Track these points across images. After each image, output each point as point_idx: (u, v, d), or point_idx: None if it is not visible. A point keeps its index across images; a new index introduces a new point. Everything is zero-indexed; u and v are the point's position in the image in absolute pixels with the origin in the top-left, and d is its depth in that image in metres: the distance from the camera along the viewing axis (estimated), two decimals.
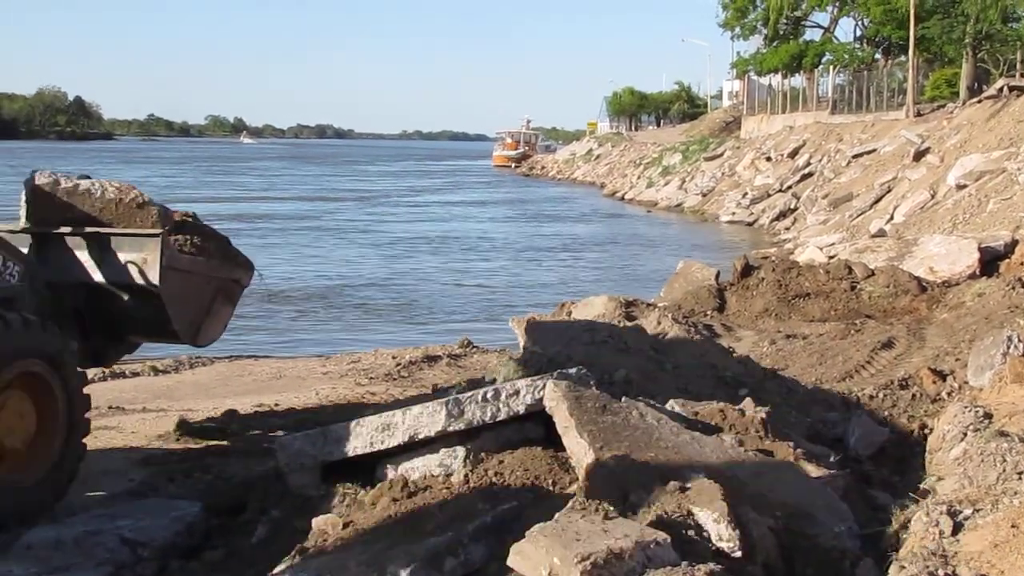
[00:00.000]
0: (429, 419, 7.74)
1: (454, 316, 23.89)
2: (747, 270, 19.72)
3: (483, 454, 7.65)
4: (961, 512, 6.48)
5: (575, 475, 7.18)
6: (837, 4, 64.52)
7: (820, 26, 68.13)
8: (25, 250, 9.85)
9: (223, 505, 8.77)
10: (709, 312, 18.57)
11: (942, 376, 12.67)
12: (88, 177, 10.56)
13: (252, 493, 8.71)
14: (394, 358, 16.59)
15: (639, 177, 72.63)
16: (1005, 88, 37.04)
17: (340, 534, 7.19)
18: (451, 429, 7.70)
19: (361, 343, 20.52)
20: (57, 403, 8.79)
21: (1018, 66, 45.32)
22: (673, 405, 8.38)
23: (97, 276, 9.98)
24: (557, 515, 6.11)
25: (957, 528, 6.30)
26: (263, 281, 12.12)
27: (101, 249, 9.99)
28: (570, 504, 6.34)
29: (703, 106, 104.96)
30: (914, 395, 11.26)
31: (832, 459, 8.22)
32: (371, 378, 15.44)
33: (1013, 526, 6.02)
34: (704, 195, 56.08)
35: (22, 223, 10.26)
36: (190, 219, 11.15)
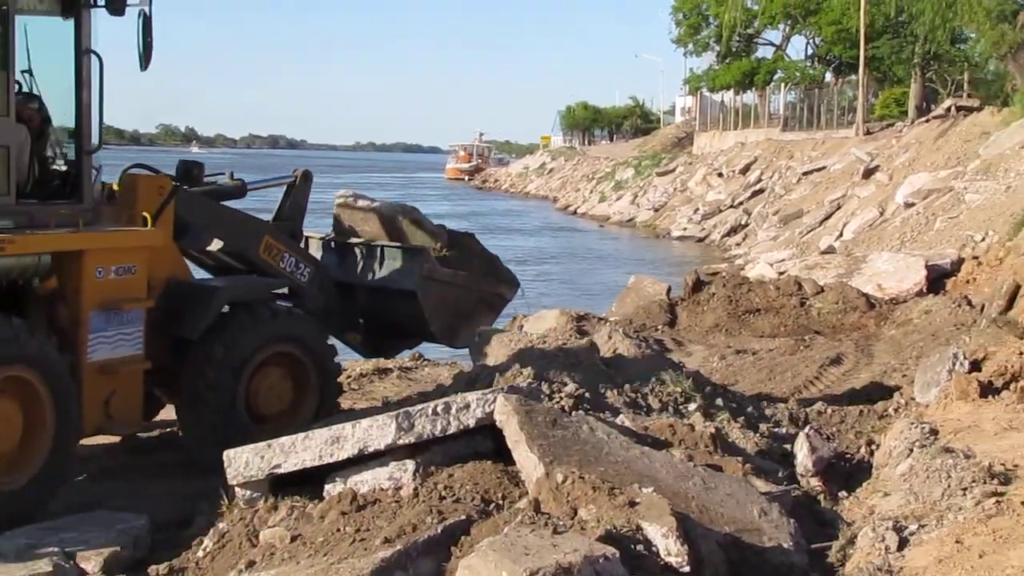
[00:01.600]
0: (379, 432, 7.71)
1: None
2: (698, 285, 19.82)
3: (433, 468, 7.64)
4: (907, 528, 6.54)
5: (525, 489, 7.18)
6: (789, 23, 65.06)
7: (772, 44, 68.75)
8: (321, 254, 12.41)
9: (169, 518, 8.71)
10: (660, 327, 18.64)
11: (889, 392, 12.80)
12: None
13: (199, 506, 8.65)
14: (344, 370, 16.50)
15: (592, 191, 72.84)
16: (953, 108, 37.49)
17: (288, 547, 7.15)
18: (401, 442, 7.68)
19: None
20: (309, 377, 10.96)
21: (965, 86, 45.88)
22: (623, 420, 8.40)
23: (372, 281, 12.15)
24: (506, 529, 6.11)
25: (903, 544, 6.36)
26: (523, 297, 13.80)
27: (378, 258, 12.19)
28: (519, 518, 6.35)
29: (656, 121, 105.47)
30: (861, 411, 11.34)
31: (780, 474, 8.26)
32: None
33: (958, 541, 6.08)
34: (656, 210, 56.30)
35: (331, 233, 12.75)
36: (466, 238, 13.32)
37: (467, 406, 7.77)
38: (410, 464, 7.65)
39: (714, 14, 64.48)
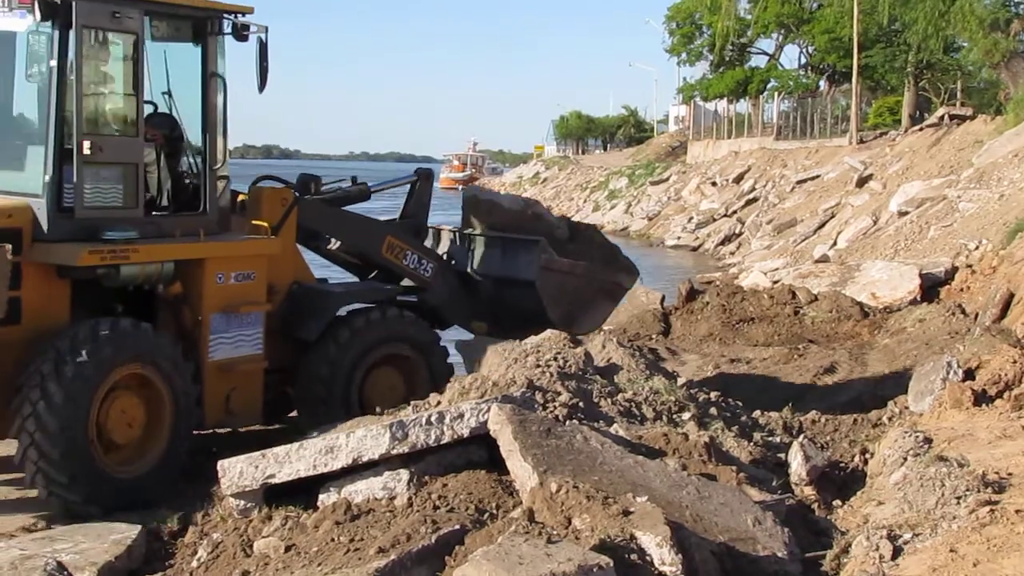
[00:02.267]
0: (373, 442, 7.72)
1: None
2: (692, 294, 19.83)
3: (427, 477, 7.64)
4: (901, 536, 6.54)
5: (519, 499, 7.18)
6: (782, 32, 65.16)
7: (765, 53, 68.80)
8: (444, 247, 13.42)
9: (165, 527, 8.70)
10: (654, 336, 18.65)
11: (883, 401, 12.80)
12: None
13: (193, 516, 8.64)
14: None
15: (585, 200, 72.82)
16: (946, 117, 37.57)
17: (282, 557, 7.15)
18: (395, 452, 7.68)
19: None
20: (420, 375, 11.88)
21: (959, 95, 45.94)
22: (617, 429, 8.40)
23: (495, 271, 13.07)
24: (500, 539, 6.10)
25: (897, 552, 6.36)
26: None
27: (501, 249, 13.16)
28: (513, 528, 6.35)
29: (650, 131, 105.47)
30: (855, 420, 11.35)
31: (775, 483, 8.27)
32: None
33: (951, 550, 6.09)
34: (650, 219, 56.29)
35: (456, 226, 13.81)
36: (587, 229, 14.65)
37: (461, 416, 7.77)
38: (404, 473, 7.65)
39: (707, 23, 64.59)
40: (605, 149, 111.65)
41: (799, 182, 44.33)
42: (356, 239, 12.65)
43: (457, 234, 13.60)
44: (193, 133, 11.07)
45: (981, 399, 9.37)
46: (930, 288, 20.01)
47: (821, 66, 63.10)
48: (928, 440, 8.27)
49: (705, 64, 70.75)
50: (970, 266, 20.38)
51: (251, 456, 8.15)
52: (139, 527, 8.53)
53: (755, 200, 46.92)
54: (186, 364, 10.16)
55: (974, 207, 25.39)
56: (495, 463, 7.63)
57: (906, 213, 28.25)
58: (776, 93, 62.47)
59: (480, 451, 7.81)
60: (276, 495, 8.05)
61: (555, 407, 8.57)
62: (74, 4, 9.63)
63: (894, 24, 45.80)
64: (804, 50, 66.03)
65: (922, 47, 36.91)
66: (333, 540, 7.11)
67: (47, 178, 9.70)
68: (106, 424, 9.58)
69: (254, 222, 11.24)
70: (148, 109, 10.80)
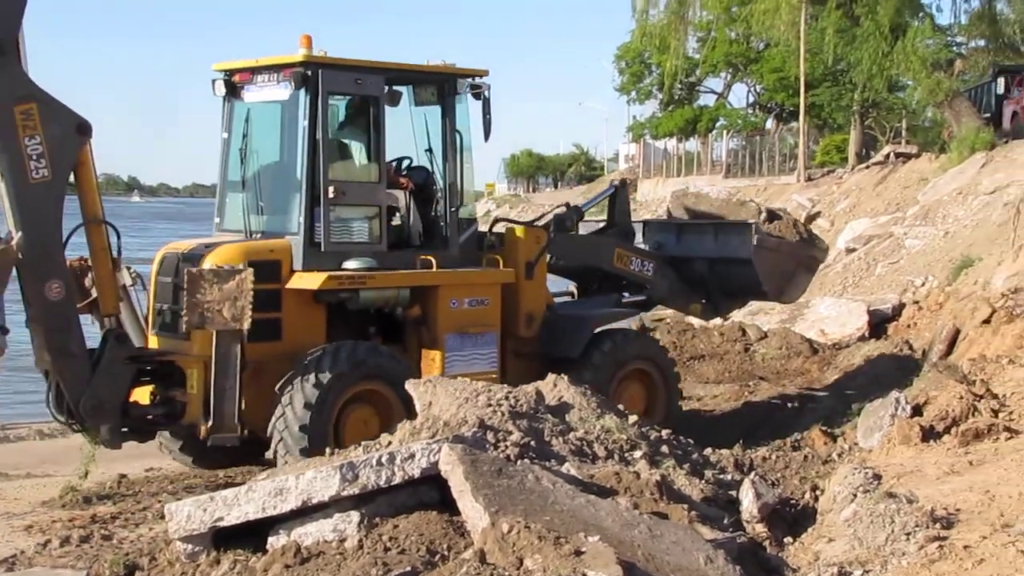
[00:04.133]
0: (323, 483, 7.65)
1: None
2: (643, 331, 19.85)
3: (377, 519, 7.59)
4: (851, 573, 6.57)
5: (470, 539, 7.15)
6: (730, 71, 65.79)
7: (714, 92, 69.39)
8: (655, 238, 15.51)
9: (111, 573, 8.58)
10: None
11: (833, 437, 12.85)
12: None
13: (141, 560, 8.52)
14: None
15: None
16: (892, 155, 37.94)
17: None
18: (345, 493, 7.62)
19: None
20: (658, 388, 13.84)
21: (904, 133, 46.50)
22: (569, 468, 8.38)
23: (708, 253, 15.07)
24: None
25: None
26: None
27: (715, 234, 15.10)
28: (465, 569, 6.31)
29: (600, 169, 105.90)
30: (806, 456, 11.39)
31: (726, 521, 8.26)
32: None
33: None
34: None
35: (667, 217, 16.26)
36: (781, 212, 16.54)
37: (412, 456, 7.73)
38: (355, 515, 7.59)
39: (656, 62, 64.94)
40: (556, 187, 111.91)
41: None
42: (588, 257, 14.58)
43: (668, 223, 15.86)
44: (440, 180, 12.95)
45: (929, 435, 9.44)
46: (878, 324, 20.12)
47: (769, 105, 63.77)
48: (877, 476, 8.31)
49: (654, 103, 71.23)
50: (917, 302, 20.55)
51: (199, 499, 8.06)
52: (84, 573, 8.42)
53: None
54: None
55: (920, 244, 25.64)
56: (446, 504, 7.59)
57: (854, 250, 28.47)
58: (725, 131, 62.99)
59: (431, 492, 7.76)
60: (225, 538, 7.96)
61: (506, 447, 8.54)
62: (321, 74, 11.76)
63: (840, 63, 46.35)
64: (752, 89, 66.73)
65: (867, 86, 37.35)
66: None
67: (300, 219, 11.81)
68: (344, 430, 11.35)
69: (494, 256, 13.10)
70: (405, 161, 13.14)
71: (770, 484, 9.33)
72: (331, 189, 11.81)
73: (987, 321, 14.24)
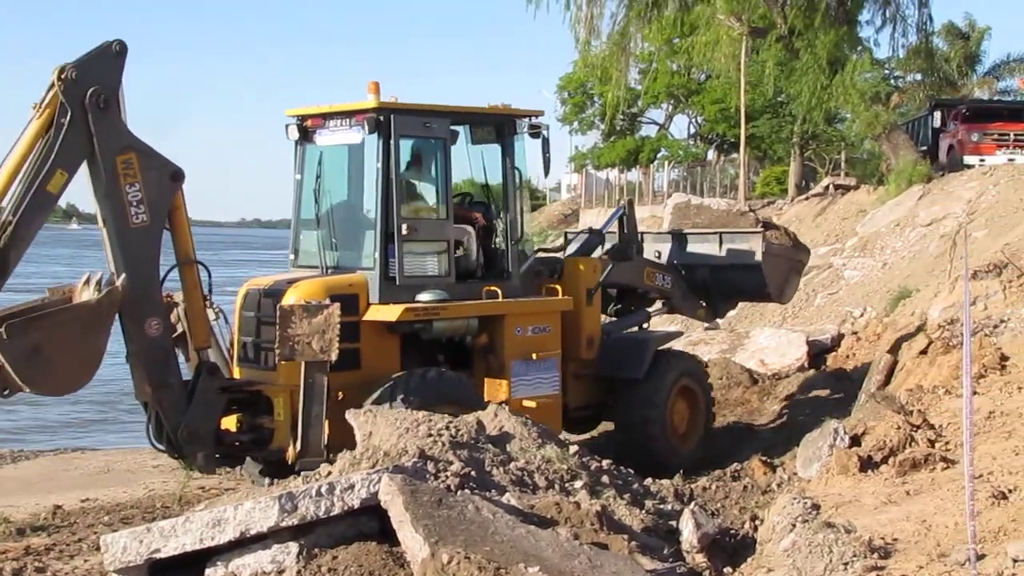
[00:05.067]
0: (261, 514, 7.59)
1: None
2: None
3: (316, 550, 7.54)
4: None
5: (410, 570, 7.11)
6: (672, 102, 66.25)
7: (656, 123, 69.79)
8: (659, 248, 16.55)
9: None
10: None
11: (772, 467, 12.92)
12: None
13: None
14: None
15: None
16: (831, 186, 38.37)
17: None
18: (284, 524, 7.56)
19: None
20: (699, 402, 15.21)
21: (843, 165, 47.09)
22: (509, 498, 8.35)
23: (714, 260, 16.21)
24: None
25: None
26: None
27: (720, 242, 16.21)
28: None
29: (542, 198, 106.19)
30: (746, 486, 11.45)
31: (666, 551, 8.27)
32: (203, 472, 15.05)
33: None
34: None
35: (666, 229, 17.45)
36: (770, 222, 17.90)
37: (351, 486, 7.68)
38: (293, 546, 7.53)
39: (598, 93, 65.34)
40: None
41: None
42: (629, 278, 15.54)
43: (672, 234, 16.84)
44: (499, 215, 13.86)
45: (867, 465, 9.49)
46: (817, 355, 20.28)
47: (710, 136, 64.32)
48: (816, 506, 8.35)
49: (597, 133, 71.52)
50: (856, 333, 20.73)
51: (135, 530, 7.97)
52: None
53: None
54: (483, 404, 11.91)
55: (859, 275, 25.91)
56: (386, 534, 7.55)
57: None
58: (667, 162, 63.38)
59: (371, 522, 7.72)
60: (162, 570, 7.87)
61: (447, 477, 8.50)
62: (393, 118, 12.58)
63: (779, 96, 46.90)
64: (693, 120, 67.26)
65: (806, 118, 37.80)
66: None
67: (376, 255, 12.62)
68: None
69: (554, 285, 14.14)
70: (466, 196, 14.28)
71: (710, 514, 9.36)
72: (404, 226, 12.57)
73: (924, 352, 14.38)
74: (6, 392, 10.47)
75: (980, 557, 6.36)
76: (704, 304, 16.82)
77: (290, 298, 12.04)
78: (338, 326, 11.35)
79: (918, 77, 52.02)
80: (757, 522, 9.17)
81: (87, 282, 11.00)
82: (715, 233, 16.47)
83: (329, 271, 13.15)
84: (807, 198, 39.47)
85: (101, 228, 11.20)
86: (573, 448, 10.14)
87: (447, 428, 9.38)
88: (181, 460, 12.18)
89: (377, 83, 12.71)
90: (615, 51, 35.22)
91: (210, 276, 12.09)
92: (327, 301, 11.66)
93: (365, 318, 12.51)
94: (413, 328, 12.70)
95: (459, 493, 7.99)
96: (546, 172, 14.68)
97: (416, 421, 9.45)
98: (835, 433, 10.56)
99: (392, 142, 12.65)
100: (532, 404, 13.24)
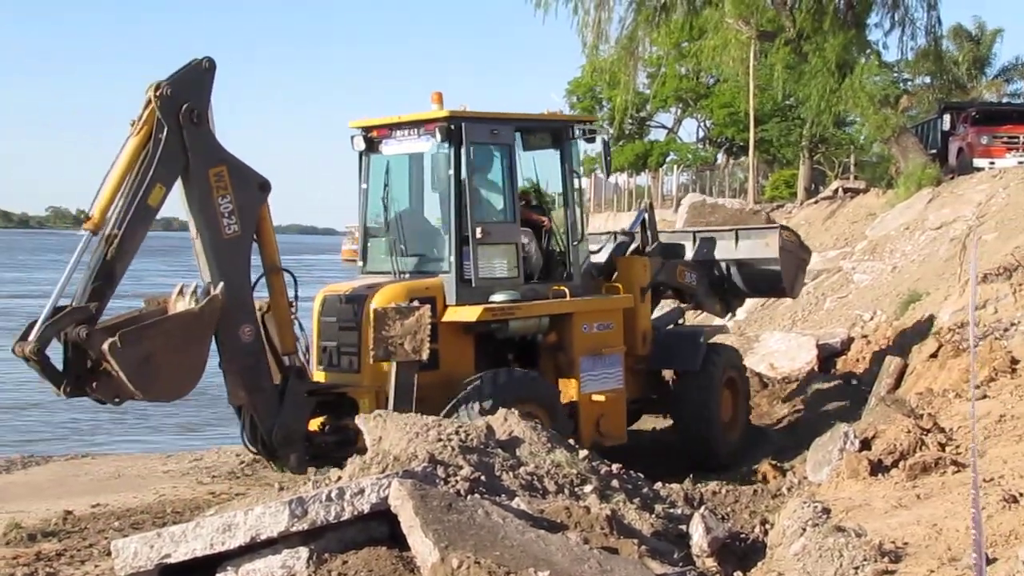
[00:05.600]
0: (272, 519, 7.59)
1: None
2: None
3: (327, 555, 7.54)
4: None
5: (420, 575, 7.10)
6: (681, 106, 66.24)
7: (664, 127, 69.80)
8: (689, 246, 17.05)
9: None
10: None
11: (782, 471, 12.90)
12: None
13: None
14: (237, 455, 16.26)
15: None
16: (840, 190, 38.25)
17: None
18: (294, 529, 7.57)
19: (203, 440, 20.09)
20: (740, 392, 16.06)
21: (852, 169, 47.00)
22: (519, 503, 8.36)
23: (736, 256, 16.76)
24: None
25: None
26: None
27: (736, 239, 16.85)
28: None
29: (552, 202, 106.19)
30: (756, 490, 11.43)
31: (676, 556, 8.27)
32: (214, 476, 15.10)
33: None
34: None
35: (679, 227, 19.02)
36: (781, 223, 19.73)
37: (361, 491, 7.69)
38: (304, 551, 7.54)
39: (607, 97, 65.36)
40: None
41: None
42: (667, 276, 16.03)
43: (694, 234, 17.55)
44: (558, 218, 14.49)
45: (877, 469, 9.48)
46: (827, 358, 20.26)
47: (719, 139, 64.27)
48: (826, 510, 8.34)
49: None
50: (865, 336, 20.70)
51: (145, 535, 7.98)
52: None
53: None
54: (560, 402, 13.26)
55: (868, 279, 25.85)
56: (396, 539, 7.55)
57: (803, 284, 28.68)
58: (675, 166, 63.35)
59: (381, 527, 7.73)
60: (172, 575, 7.88)
61: (457, 481, 8.51)
62: (464, 126, 13.09)
63: (788, 99, 46.80)
64: (702, 124, 67.22)
65: (815, 122, 37.70)
66: None
67: (451, 259, 13.11)
68: None
69: (615, 284, 14.75)
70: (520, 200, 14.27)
71: (720, 518, 9.35)
72: (479, 230, 13.08)
73: (934, 355, 14.36)
74: (117, 400, 10.86)
75: (991, 561, 6.35)
76: (719, 300, 17.37)
77: (374, 303, 12.46)
78: (429, 327, 11.80)
79: (927, 80, 52.01)
80: (767, 526, 9.16)
81: (180, 292, 11.33)
82: (731, 230, 17.23)
83: (402, 276, 13.55)
84: (816, 202, 39.37)
85: (194, 239, 11.54)
86: (583, 453, 10.14)
87: (456, 433, 9.39)
88: (273, 462, 12.54)
89: (440, 93, 13.28)
90: (623, 55, 35.14)
91: (296, 283, 12.41)
92: (416, 303, 12.14)
93: (444, 319, 12.92)
94: (489, 328, 13.20)
95: (469, 498, 7.99)
96: (607, 174, 17.08)
97: (426, 426, 9.46)
98: (845, 437, 10.55)
99: (464, 149, 13.12)
100: (601, 398, 13.92)
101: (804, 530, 7.86)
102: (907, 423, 10.25)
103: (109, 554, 8.25)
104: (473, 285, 13.10)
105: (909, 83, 53.30)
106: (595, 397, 13.90)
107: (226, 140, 11.66)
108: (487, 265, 13.31)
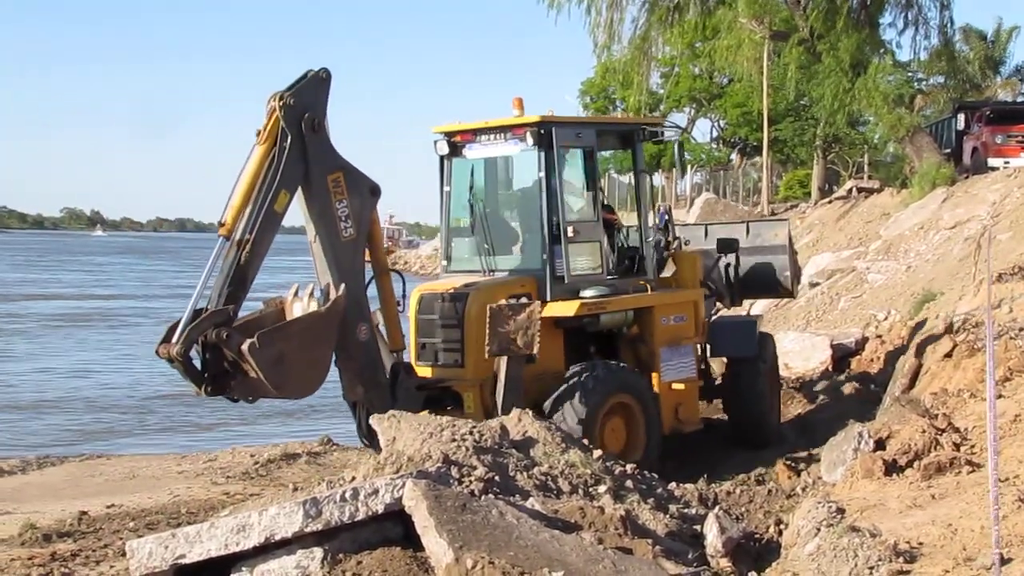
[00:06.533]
0: (286, 520, 7.61)
1: (314, 413, 23.52)
2: None
3: (341, 555, 7.55)
4: None
5: (434, 575, 7.11)
6: (694, 106, 66.20)
7: (678, 127, 69.61)
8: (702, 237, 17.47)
9: None
10: None
11: (797, 471, 12.88)
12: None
13: None
14: (252, 456, 16.28)
15: None
16: (854, 189, 38.23)
17: None
18: (308, 530, 7.57)
19: (218, 440, 20.12)
20: (778, 379, 16.72)
21: (866, 168, 46.95)
22: (533, 503, 8.36)
23: (746, 244, 17.09)
24: None
25: None
26: None
27: (747, 231, 17.41)
28: None
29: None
30: (770, 491, 11.41)
31: (691, 556, 8.27)
32: (228, 477, 15.11)
33: None
34: None
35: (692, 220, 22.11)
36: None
37: (376, 492, 7.70)
38: (318, 552, 7.55)
39: (620, 97, 65.32)
40: None
41: None
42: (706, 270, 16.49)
43: (705, 227, 18.19)
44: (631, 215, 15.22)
45: (892, 469, 9.46)
46: (841, 358, 20.23)
47: (733, 139, 64.21)
48: (841, 510, 8.32)
49: None
50: (880, 336, 20.66)
51: (160, 536, 8.00)
52: None
53: None
54: (653, 391, 13.86)
55: (882, 278, 25.81)
56: (410, 540, 7.56)
57: (817, 284, 28.64)
58: (689, 166, 63.32)
59: (395, 527, 7.74)
60: (187, 575, 7.90)
61: (471, 482, 8.52)
62: (554, 130, 13.60)
63: (802, 99, 46.75)
64: (716, 124, 67.19)
65: (829, 122, 37.68)
66: None
67: (544, 256, 13.61)
68: (602, 437, 12.80)
69: (678, 276, 15.17)
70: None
71: (734, 518, 9.34)
72: (570, 229, 13.62)
73: (948, 355, 14.31)
74: (251, 398, 11.48)
75: (1006, 561, 6.33)
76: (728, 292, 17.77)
77: (481, 300, 12.94)
78: (539, 322, 12.32)
79: (941, 79, 51.89)
80: (782, 526, 9.14)
81: (296, 293, 11.85)
82: (743, 223, 17.96)
83: (491, 274, 14.04)
84: (830, 201, 39.35)
85: (312, 243, 12.04)
86: (597, 453, 10.14)
87: (470, 433, 9.40)
88: None
89: (521, 99, 13.84)
90: (637, 55, 35.20)
91: (404, 284, 13.00)
92: (525, 299, 12.76)
93: (542, 315, 13.03)
94: (580, 323, 13.68)
95: (483, 498, 7.99)
96: (682, 173, 17.93)
97: (440, 426, 9.47)
98: (860, 437, 10.52)
99: (554, 152, 13.64)
100: (680, 387, 14.47)
101: (819, 530, 7.85)
102: (922, 423, 10.21)
103: (124, 554, 8.26)
104: (565, 282, 13.58)
105: (923, 82, 53.18)
106: (675, 386, 14.42)
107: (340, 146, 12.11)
108: (576, 262, 13.81)
